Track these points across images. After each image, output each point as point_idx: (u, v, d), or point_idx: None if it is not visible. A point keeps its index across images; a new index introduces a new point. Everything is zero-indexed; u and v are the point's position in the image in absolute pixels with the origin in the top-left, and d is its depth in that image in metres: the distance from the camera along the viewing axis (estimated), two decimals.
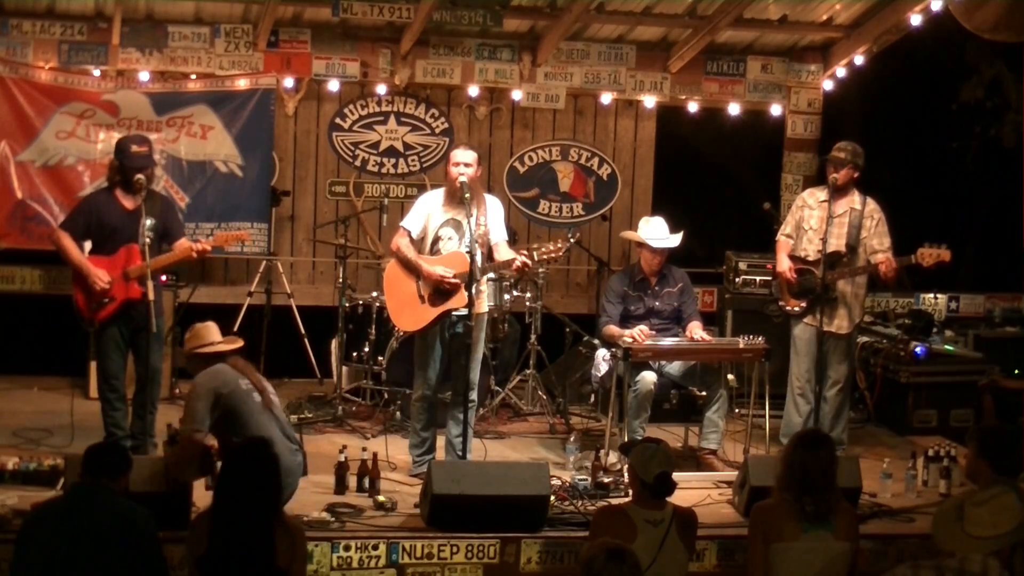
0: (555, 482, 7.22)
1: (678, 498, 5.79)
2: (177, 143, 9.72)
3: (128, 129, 9.46)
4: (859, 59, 10.36)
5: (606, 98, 10.59)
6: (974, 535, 4.57)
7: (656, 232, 8.22)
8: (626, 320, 8.22)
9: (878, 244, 8.31)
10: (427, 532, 6.68)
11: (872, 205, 8.35)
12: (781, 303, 8.47)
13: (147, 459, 7.13)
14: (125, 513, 5.20)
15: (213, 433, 6.59)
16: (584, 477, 7.49)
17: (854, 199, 8.31)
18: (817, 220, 8.34)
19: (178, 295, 9.49)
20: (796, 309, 8.37)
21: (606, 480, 7.44)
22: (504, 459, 8.09)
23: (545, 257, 7.62)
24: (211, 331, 6.89)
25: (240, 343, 6.92)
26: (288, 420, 6.96)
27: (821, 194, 8.41)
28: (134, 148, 7.65)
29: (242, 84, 9.79)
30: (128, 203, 7.60)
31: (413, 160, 10.57)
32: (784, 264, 8.40)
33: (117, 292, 7.54)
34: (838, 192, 8.22)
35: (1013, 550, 4.62)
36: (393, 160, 10.56)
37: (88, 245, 7.70)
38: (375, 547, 6.54)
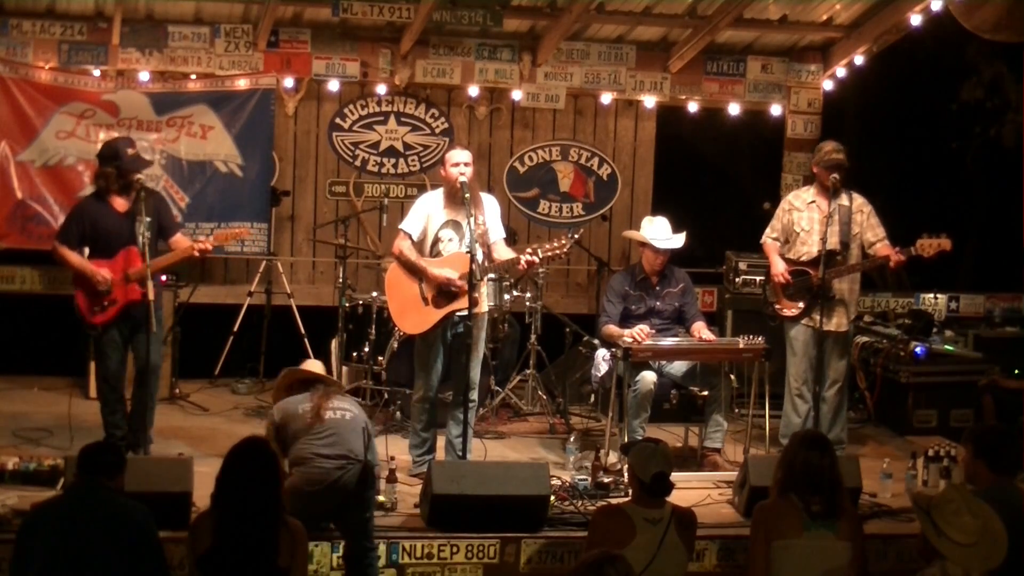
0: (555, 482, 7.22)
1: (678, 498, 5.78)
2: (177, 143, 9.71)
3: (128, 129, 9.47)
4: (859, 59, 10.36)
5: (606, 98, 10.59)
6: (961, 542, 4.56)
7: (659, 232, 8.20)
8: (627, 320, 8.21)
9: (873, 236, 8.31)
10: (427, 532, 6.68)
11: (860, 200, 8.35)
12: (777, 307, 8.43)
13: (144, 459, 7.14)
14: (124, 511, 5.19)
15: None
16: (584, 477, 7.48)
17: (840, 195, 8.29)
18: (808, 221, 8.33)
19: (178, 295, 9.48)
20: (793, 312, 8.35)
21: (606, 480, 7.43)
22: (504, 459, 8.09)
23: (550, 255, 7.54)
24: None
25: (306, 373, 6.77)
26: (360, 434, 6.53)
27: (807, 195, 8.41)
28: (130, 151, 7.61)
29: (242, 84, 9.79)
30: (122, 207, 7.57)
31: (413, 160, 10.57)
32: (779, 267, 8.37)
33: (118, 295, 7.53)
34: (833, 192, 8.20)
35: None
36: (393, 160, 10.56)
37: (86, 251, 7.65)
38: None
